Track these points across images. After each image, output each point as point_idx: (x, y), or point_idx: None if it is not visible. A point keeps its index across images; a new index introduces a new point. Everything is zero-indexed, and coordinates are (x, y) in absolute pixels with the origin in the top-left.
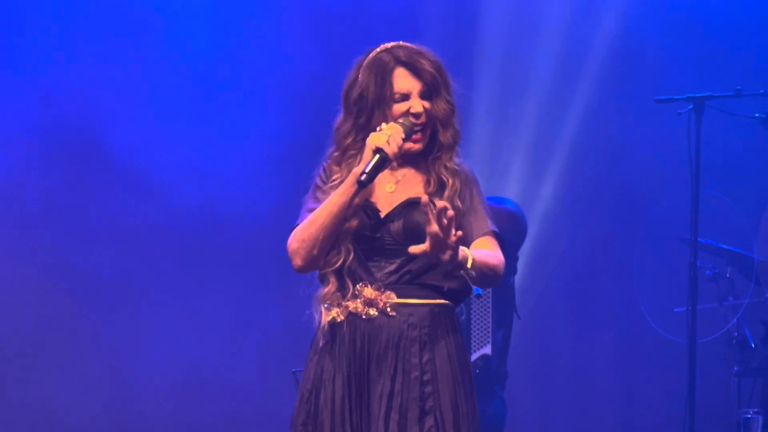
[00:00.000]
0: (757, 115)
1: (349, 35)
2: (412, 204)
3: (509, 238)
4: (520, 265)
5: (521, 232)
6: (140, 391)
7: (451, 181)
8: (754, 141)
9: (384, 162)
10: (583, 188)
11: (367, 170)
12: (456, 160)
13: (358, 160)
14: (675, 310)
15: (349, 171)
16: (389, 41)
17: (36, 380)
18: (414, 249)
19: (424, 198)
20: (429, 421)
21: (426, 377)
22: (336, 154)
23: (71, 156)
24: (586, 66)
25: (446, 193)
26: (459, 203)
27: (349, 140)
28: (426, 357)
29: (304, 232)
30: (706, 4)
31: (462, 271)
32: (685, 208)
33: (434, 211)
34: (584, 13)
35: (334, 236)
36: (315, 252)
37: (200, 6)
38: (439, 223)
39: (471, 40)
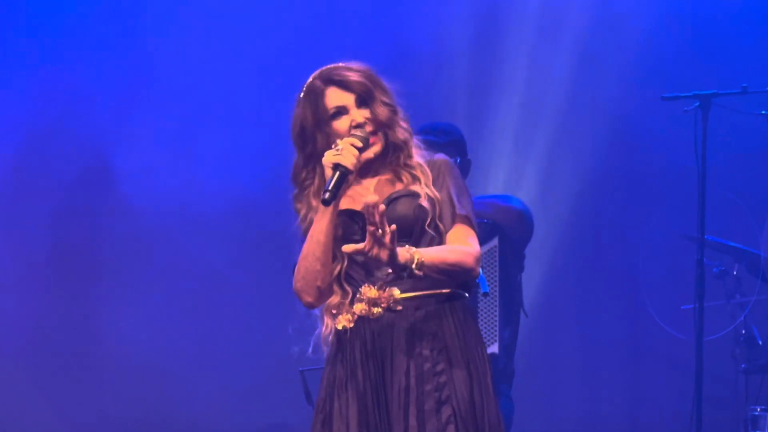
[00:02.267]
0: (763, 112)
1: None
2: (394, 200)
3: (516, 237)
4: (527, 262)
5: (528, 230)
6: (139, 390)
7: (419, 172)
8: (760, 138)
9: (344, 176)
10: (589, 186)
11: (329, 188)
12: (421, 153)
13: (315, 188)
14: (682, 307)
15: (309, 203)
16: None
17: (45, 380)
18: (347, 248)
19: (367, 200)
20: (447, 411)
21: (439, 367)
22: (297, 192)
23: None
24: (591, 64)
25: (421, 183)
26: (436, 193)
27: (303, 174)
28: (437, 347)
29: (301, 269)
30: (712, 2)
31: (408, 273)
32: (691, 205)
33: (369, 209)
34: (590, 11)
35: (330, 263)
36: (319, 283)
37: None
38: (372, 220)
39: (477, 38)
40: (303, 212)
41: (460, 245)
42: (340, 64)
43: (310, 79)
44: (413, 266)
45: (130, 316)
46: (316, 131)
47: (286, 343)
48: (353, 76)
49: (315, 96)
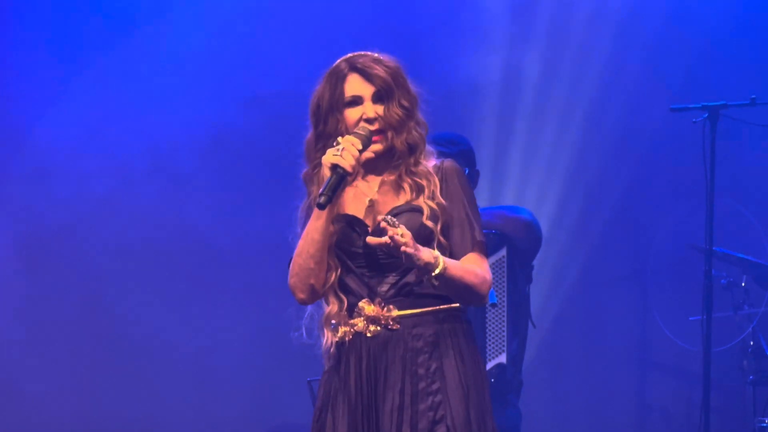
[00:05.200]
0: None
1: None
2: (397, 214)
3: (524, 248)
4: (535, 274)
5: (536, 241)
6: (156, 392)
7: (425, 182)
8: None
9: (342, 178)
10: (597, 197)
11: (323, 191)
12: (429, 162)
13: (321, 172)
14: (690, 318)
15: (319, 182)
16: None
17: (70, 379)
18: (372, 240)
19: (382, 223)
20: (440, 430)
21: (434, 387)
22: (307, 171)
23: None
24: (600, 75)
25: (426, 194)
26: (441, 200)
27: (313, 153)
28: (433, 366)
29: (295, 265)
30: (721, 13)
31: (427, 277)
32: (699, 216)
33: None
34: (598, 21)
35: (325, 261)
36: (312, 281)
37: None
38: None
39: (483, 45)
40: (315, 193)
41: (479, 269)
42: (372, 54)
43: (338, 61)
44: (434, 274)
45: (140, 317)
46: (329, 113)
47: (294, 346)
48: (378, 70)
49: (337, 78)
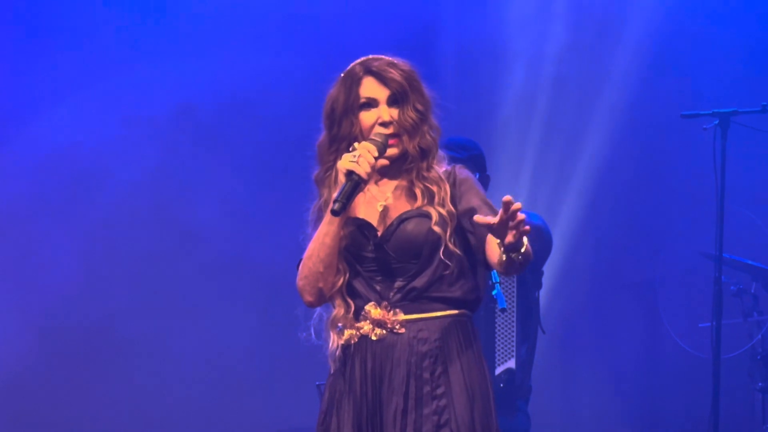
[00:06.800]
0: None
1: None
2: (405, 219)
3: (534, 253)
4: (545, 279)
5: (546, 247)
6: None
7: (436, 188)
8: None
9: (357, 185)
10: (608, 203)
11: (338, 198)
12: (440, 167)
13: (334, 175)
14: (699, 325)
15: (330, 185)
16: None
17: (82, 382)
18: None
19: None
20: None
21: (439, 391)
22: (319, 172)
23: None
24: (612, 81)
25: (435, 200)
26: (451, 207)
27: (326, 155)
28: (438, 370)
29: (304, 268)
30: (732, 20)
31: (513, 255)
32: (710, 223)
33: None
34: (610, 27)
35: (335, 265)
36: (321, 285)
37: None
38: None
39: (496, 50)
40: (326, 196)
41: None
42: (387, 58)
43: (353, 64)
44: (522, 249)
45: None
46: (344, 116)
47: (303, 349)
48: (394, 74)
49: (351, 81)
